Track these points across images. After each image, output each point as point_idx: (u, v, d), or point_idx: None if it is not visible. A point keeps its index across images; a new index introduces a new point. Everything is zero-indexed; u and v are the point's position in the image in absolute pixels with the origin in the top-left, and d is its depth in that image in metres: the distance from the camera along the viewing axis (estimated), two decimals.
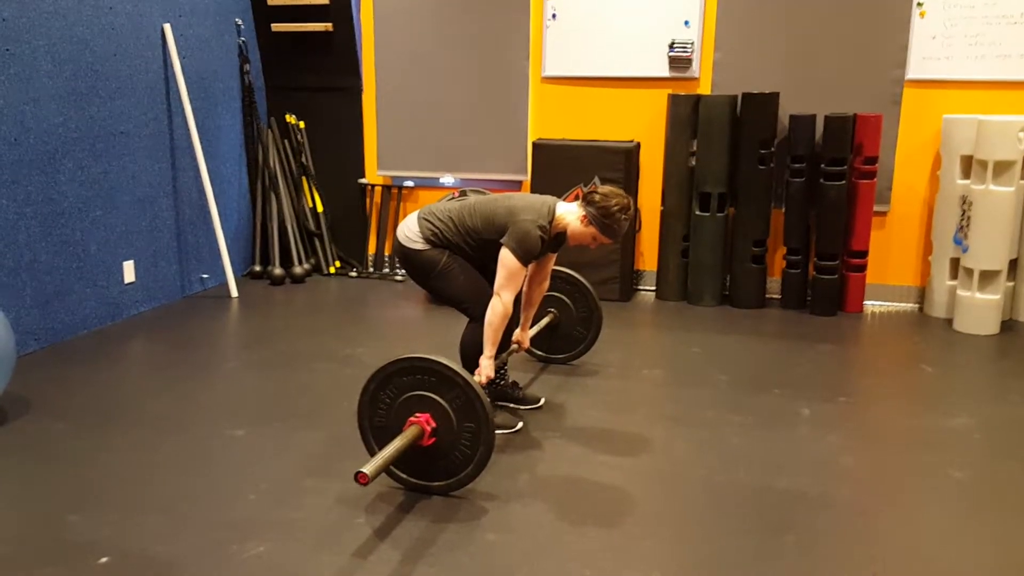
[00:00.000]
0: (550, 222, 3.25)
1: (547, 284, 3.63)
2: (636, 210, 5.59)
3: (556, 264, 3.78)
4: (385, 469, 2.71)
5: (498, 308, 3.17)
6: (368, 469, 2.52)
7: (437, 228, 3.31)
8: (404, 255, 3.38)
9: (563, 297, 4.15)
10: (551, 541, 2.63)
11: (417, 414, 2.81)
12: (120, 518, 2.74)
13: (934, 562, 2.56)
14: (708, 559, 2.56)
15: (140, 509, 2.80)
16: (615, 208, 3.18)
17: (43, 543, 2.60)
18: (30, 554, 2.54)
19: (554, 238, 3.36)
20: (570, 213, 3.29)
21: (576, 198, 3.38)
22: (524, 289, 3.56)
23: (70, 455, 3.22)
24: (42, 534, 2.65)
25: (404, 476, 2.91)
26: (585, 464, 3.18)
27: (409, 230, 3.35)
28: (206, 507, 2.82)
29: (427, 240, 3.31)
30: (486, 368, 3.22)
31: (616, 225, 3.21)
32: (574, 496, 2.94)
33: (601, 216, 3.20)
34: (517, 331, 3.65)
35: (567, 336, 4.21)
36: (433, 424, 2.80)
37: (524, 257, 3.17)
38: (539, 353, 4.27)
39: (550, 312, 4.15)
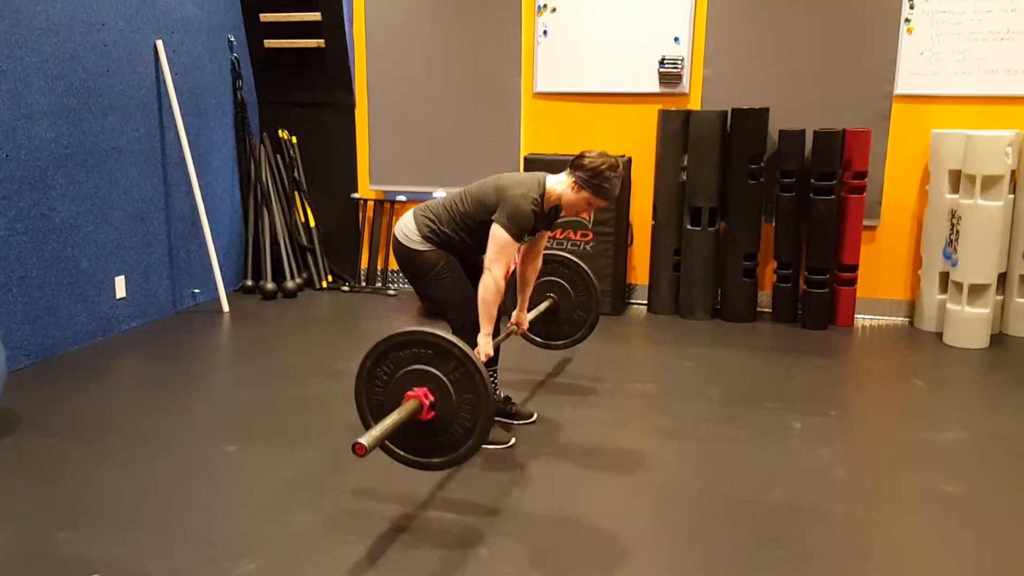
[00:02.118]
0: (541, 195, 3.22)
1: (540, 263, 3.59)
2: (628, 225, 5.62)
3: (559, 249, 3.70)
4: (383, 443, 2.65)
5: (489, 283, 3.13)
6: (365, 440, 2.44)
7: (433, 222, 3.29)
8: (403, 254, 3.34)
9: (561, 281, 4.06)
10: (544, 556, 2.63)
11: (415, 388, 2.75)
12: (111, 534, 2.73)
13: (926, 575, 2.57)
14: (701, 573, 2.56)
15: (131, 525, 2.79)
16: (604, 168, 3.15)
17: (34, 560, 2.58)
18: (20, 571, 2.52)
19: (548, 213, 3.33)
20: (561, 183, 3.25)
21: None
22: (518, 270, 3.54)
23: (61, 471, 3.20)
24: (33, 551, 2.63)
25: (403, 454, 2.82)
26: (578, 479, 3.19)
27: (407, 228, 3.32)
28: (197, 523, 2.81)
29: (425, 238, 3.28)
30: (483, 346, 3.17)
31: (607, 184, 3.17)
32: (567, 511, 2.93)
33: (591, 178, 3.16)
34: (515, 312, 3.62)
35: (567, 321, 4.12)
36: (431, 398, 2.73)
37: (516, 231, 3.14)
38: (538, 340, 4.20)
39: (549, 297, 4.07)
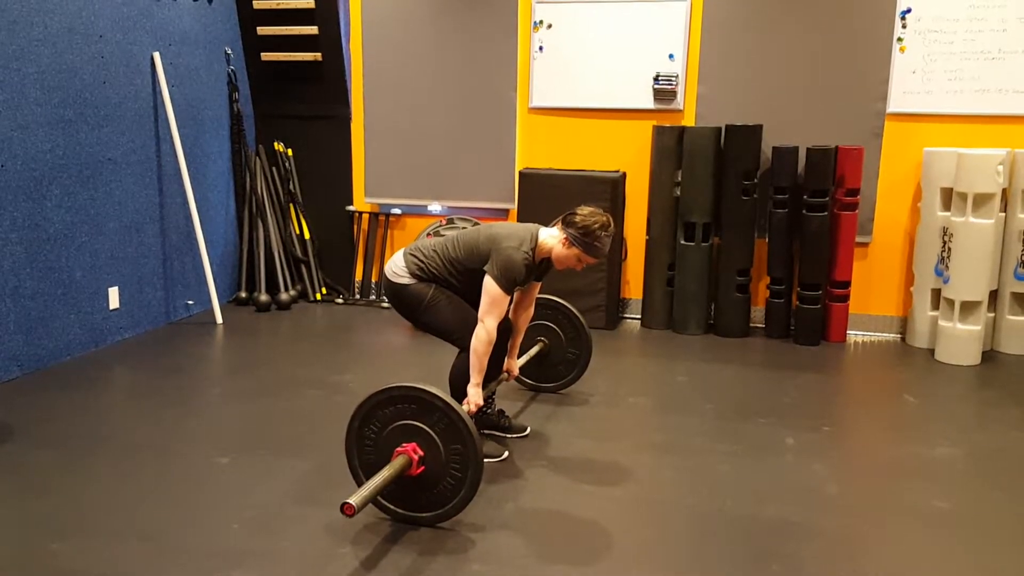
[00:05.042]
0: (533, 248, 3.27)
1: (532, 311, 3.65)
2: (623, 240, 5.64)
3: (543, 292, 3.78)
4: (373, 500, 2.69)
5: (482, 335, 3.18)
6: (355, 500, 2.50)
7: (423, 262, 3.34)
8: (392, 291, 3.39)
9: (551, 324, 4.15)
10: (537, 571, 2.63)
11: (403, 444, 2.81)
12: (104, 547, 2.72)
13: None
14: None
15: (124, 538, 2.78)
16: (595, 227, 3.21)
17: (27, 572, 2.57)
18: None
19: (539, 264, 3.38)
20: (552, 237, 3.31)
21: None
22: (510, 317, 3.58)
23: (53, 483, 3.19)
24: (26, 563, 2.62)
25: (394, 509, 2.88)
26: (571, 494, 3.19)
27: (396, 266, 3.38)
28: (190, 536, 2.80)
29: (413, 275, 3.33)
30: (474, 396, 3.23)
31: (598, 243, 3.23)
32: (560, 526, 2.94)
33: (582, 236, 3.21)
34: (506, 359, 3.66)
35: (559, 363, 4.20)
36: (420, 452, 2.79)
37: (507, 284, 3.19)
38: (528, 382, 4.27)
39: (540, 341, 4.15)
